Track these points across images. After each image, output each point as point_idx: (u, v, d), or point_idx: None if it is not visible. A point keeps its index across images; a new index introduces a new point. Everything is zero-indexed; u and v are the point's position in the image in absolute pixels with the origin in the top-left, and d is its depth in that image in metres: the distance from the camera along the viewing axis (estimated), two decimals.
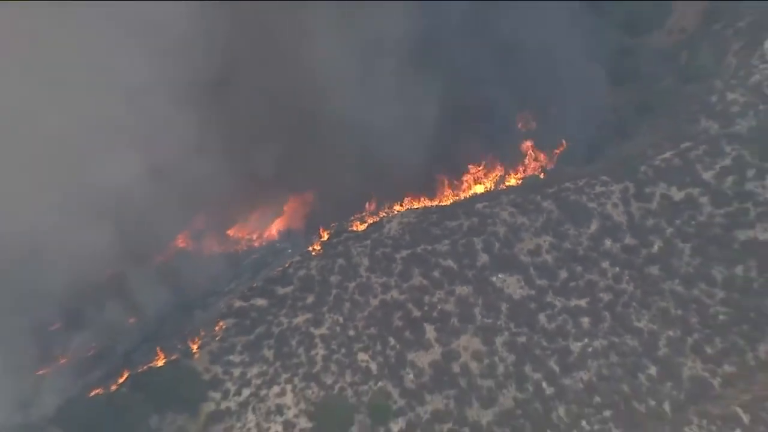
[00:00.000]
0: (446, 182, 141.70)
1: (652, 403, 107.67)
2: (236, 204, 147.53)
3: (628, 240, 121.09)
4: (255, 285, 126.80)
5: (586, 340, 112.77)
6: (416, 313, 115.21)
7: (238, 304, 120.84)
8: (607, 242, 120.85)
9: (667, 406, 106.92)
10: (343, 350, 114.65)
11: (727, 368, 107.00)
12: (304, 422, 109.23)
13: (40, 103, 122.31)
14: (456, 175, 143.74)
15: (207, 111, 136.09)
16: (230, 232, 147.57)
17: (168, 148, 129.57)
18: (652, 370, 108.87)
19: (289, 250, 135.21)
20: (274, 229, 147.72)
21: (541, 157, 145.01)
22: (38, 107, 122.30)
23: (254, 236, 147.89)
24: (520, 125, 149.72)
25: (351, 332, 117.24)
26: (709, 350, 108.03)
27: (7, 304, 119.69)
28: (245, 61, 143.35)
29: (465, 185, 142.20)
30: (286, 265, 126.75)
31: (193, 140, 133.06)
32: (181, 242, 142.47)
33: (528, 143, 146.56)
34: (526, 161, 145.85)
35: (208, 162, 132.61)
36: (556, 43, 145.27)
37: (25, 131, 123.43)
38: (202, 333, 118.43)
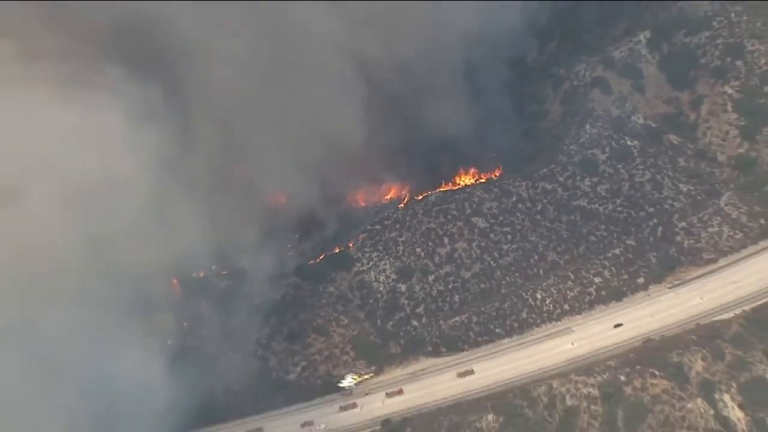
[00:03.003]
0: (454, 178, 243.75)
1: (537, 270, 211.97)
2: (373, 180, 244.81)
3: (528, 204, 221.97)
4: (376, 220, 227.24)
5: (510, 245, 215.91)
6: (440, 232, 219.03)
7: (369, 228, 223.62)
8: (520, 206, 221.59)
9: (541, 272, 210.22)
10: (409, 246, 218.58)
11: (567, 256, 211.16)
12: (393, 274, 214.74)
13: None
14: (455, 175, 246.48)
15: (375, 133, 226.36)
16: (368, 195, 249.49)
17: (356, 149, 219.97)
18: (537, 258, 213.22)
19: (390, 207, 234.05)
20: (386, 196, 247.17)
21: (496, 171, 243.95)
22: None
23: (377, 198, 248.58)
24: (493, 155, 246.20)
25: (413, 240, 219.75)
26: (559, 250, 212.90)
27: (278, 232, 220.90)
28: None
29: (460, 180, 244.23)
30: (388, 213, 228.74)
31: (363, 143, 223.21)
32: (349, 198, 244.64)
33: (490, 162, 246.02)
34: (487, 171, 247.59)
35: (365, 163, 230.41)
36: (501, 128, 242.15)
37: None
38: (358, 238, 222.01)
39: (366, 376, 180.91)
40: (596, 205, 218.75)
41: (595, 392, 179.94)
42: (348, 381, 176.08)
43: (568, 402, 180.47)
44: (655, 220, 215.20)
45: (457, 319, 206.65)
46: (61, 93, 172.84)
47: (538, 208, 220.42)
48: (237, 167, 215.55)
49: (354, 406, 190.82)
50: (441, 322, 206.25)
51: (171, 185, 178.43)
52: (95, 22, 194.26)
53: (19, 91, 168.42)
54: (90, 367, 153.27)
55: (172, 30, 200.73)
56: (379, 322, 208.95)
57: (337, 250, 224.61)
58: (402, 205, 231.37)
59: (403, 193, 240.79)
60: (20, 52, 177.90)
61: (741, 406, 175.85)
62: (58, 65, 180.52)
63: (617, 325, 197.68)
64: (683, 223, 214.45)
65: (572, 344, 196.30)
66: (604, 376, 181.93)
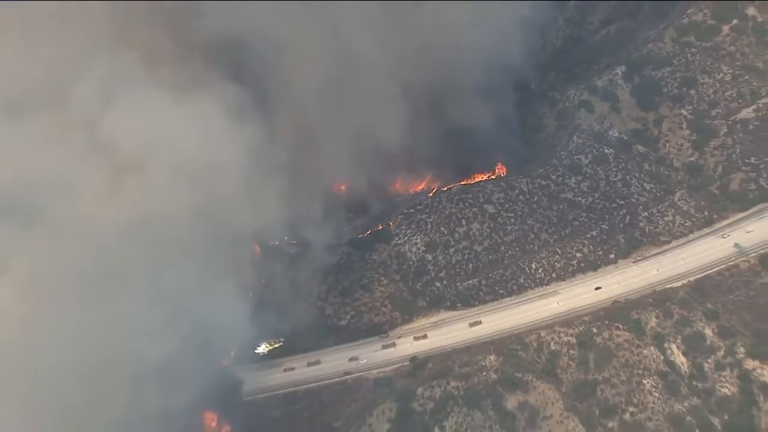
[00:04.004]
0: (472, 174, 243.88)
1: (532, 246, 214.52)
2: (409, 174, 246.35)
3: (528, 196, 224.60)
4: (410, 205, 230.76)
5: (513, 227, 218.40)
6: (459, 216, 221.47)
7: (405, 211, 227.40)
8: (521, 197, 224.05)
9: (535, 247, 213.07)
10: (435, 226, 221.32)
11: (555, 236, 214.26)
12: (422, 247, 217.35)
13: None
14: (472, 172, 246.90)
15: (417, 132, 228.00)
16: (404, 186, 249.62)
17: (397, 150, 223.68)
18: (533, 237, 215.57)
19: (422, 195, 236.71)
20: (419, 187, 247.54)
21: (502, 170, 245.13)
22: None
23: (412, 188, 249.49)
24: (497, 158, 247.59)
25: (439, 221, 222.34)
26: (550, 231, 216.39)
27: (336, 212, 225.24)
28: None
29: (476, 176, 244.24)
30: (420, 200, 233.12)
31: (402, 145, 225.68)
32: (391, 187, 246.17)
33: (498, 163, 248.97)
34: (496, 170, 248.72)
35: (403, 161, 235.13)
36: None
37: None
38: (396, 218, 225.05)
39: (276, 345, 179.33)
40: (579, 198, 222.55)
41: (573, 340, 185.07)
42: (262, 348, 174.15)
43: (552, 347, 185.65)
44: (624, 210, 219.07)
45: (470, 282, 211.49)
46: (174, 93, 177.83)
47: (535, 199, 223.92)
48: (308, 159, 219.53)
49: (393, 345, 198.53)
50: (458, 284, 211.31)
51: (256, 170, 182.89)
52: (202, 33, 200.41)
53: (143, 90, 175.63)
54: (196, 307, 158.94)
55: (263, 46, 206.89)
56: (410, 283, 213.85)
57: (380, 227, 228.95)
58: (431, 194, 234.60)
59: (431, 185, 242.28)
60: (144, 60, 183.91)
61: (684, 353, 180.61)
62: (173, 70, 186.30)
63: (597, 288, 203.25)
64: (645, 213, 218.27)
65: (557, 303, 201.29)
66: (581, 328, 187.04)
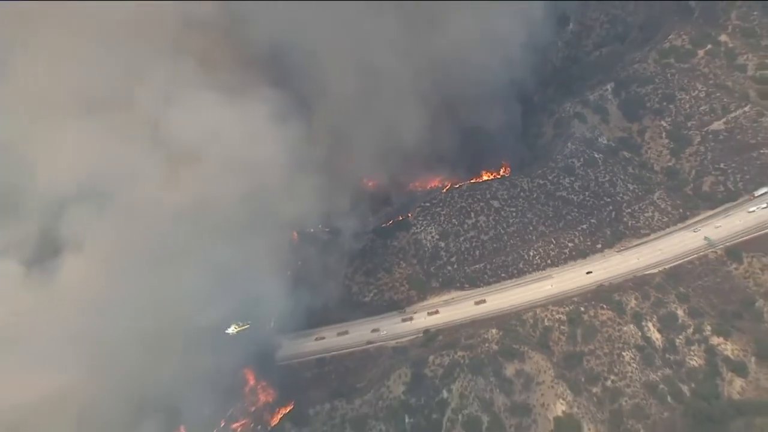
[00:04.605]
0: (480, 173, 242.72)
1: (531, 237, 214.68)
2: (426, 173, 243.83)
3: (528, 193, 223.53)
4: (427, 199, 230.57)
5: (514, 219, 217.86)
6: (469, 209, 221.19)
7: (422, 205, 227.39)
8: (521, 194, 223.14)
9: (533, 237, 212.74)
10: (448, 218, 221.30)
11: (551, 228, 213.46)
12: (436, 235, 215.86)
13: None
14: (479, 173, 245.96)
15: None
16: (422, 183, 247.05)
17: (416, 152, 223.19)
18: (531, 228, 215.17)
19: (436, 191, 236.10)
20: (434, 184, 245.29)
21: (506, 170, 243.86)
22: None
23: (428, 185, 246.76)
24: (502, 160, 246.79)
25: (451, 213, 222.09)
26: (546, 224, 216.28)
27: (362, 204, 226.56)
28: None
29: (484, 175, 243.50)
30: (435, 195, 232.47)
31: (421, 149, 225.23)
32: (410, 183, 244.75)
33: (503, 164, 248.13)
34: (501, 170, 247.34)
35: (421, 162, 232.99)
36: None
37: None
38: (414, 211, 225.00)
39: (243, 327, 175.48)
40: (572, 196, 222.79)
41: (564, 317, 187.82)
42: (231, 329, 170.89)
43: (546, 323, 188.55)
44: (610, 207, 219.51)
45: (476, 266, 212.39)
46: (226, 96, 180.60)
47: (534, 196, 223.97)
48: (340, 157, 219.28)
49: (410, 319, 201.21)
50: (466, 267, 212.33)
51: (295, 166, 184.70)
52: (252, 45, 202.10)
53: (199, 93, 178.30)
54: (242, 282, 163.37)
55: (303, 58, 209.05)
56: (425, 266, 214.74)
57: (400, 218, 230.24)
58: (444, 190, 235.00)
59: (445, 182, 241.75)
60: (200, 66, 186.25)
61: (659, 330, 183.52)
62: (225, 76, 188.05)
63: (588, 272, 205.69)
64: (629, 210, 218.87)
65: (551, 286, 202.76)
66: (570, 307, 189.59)
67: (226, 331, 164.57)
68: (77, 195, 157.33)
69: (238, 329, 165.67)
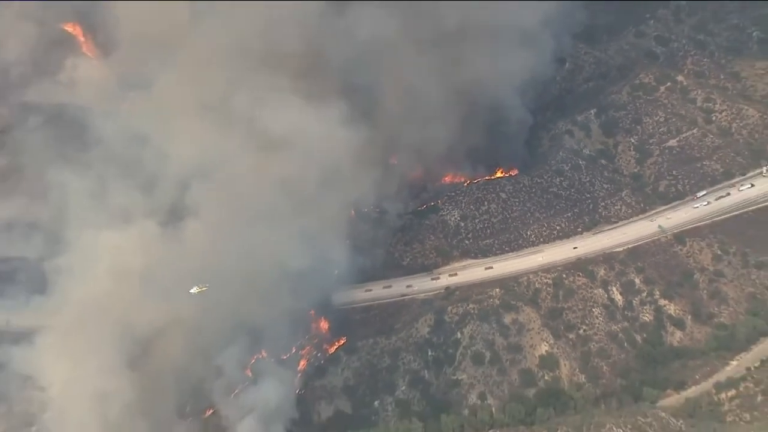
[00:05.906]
0: (493, 172, 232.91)
1: (529, 221, 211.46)
2: (453, 170, 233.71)
3: (528, 188, 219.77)
4: (452, 190, 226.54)
5: (517, 207, 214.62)
6: (483, 199, 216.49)
7: (448, 194, 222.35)
8: (523, 189, 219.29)
9: (531, 221, 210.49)
10: (467, 204, 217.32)
11: (544, 215, 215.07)
12: (458, 217, 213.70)
13: None
14: (493, 172, 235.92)
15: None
16: (450, 177, 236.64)
17: (446, 153, 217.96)
18: (529, 215, 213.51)
19: (460, 185, 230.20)
20: (458, 179, 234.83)
21: (513, 171, 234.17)
22: None
23: (454, 179, 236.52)
24: (511, 163, 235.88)
25: (470, 201, 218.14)
26: (541, 211, 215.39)
27: (404, 191, 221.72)
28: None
29: (495, 174, 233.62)
30: (458, 187, 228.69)
31: (450, 150, 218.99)
32: (441, 177, 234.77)
33: (511, 166, 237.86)
34: (510, 171, 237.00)
35: (450, 161, 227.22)
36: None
37: None
38: (443, 198, 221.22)
39: (203, 288, 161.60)
40: (561, 192, 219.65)
41: (550, 281, 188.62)
42: (194, 289, 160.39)
43: (536, 285, 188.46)
44: (589, 201, 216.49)
45: (487, 241, 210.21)
46: (306, 101, 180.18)
47: (533, 190, 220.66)
48: (390, 155, 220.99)
49: (437, 278, 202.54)
50: (479, 242, 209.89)
51: (358, 161, 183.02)
52: (327, 56, 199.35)
53: (283, 97, 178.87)
54: (315, 243, 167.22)
55: (366, 77, 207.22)
56: (449, 239, 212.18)
57: (432, 204, 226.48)
58: (466, 184, 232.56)
59: (467, 178, 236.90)
60: (286, 78, 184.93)
61: (620, 293, 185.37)
62: (306, 84, 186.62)
63: (575, 248, 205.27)
64: (603, 203, 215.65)
65: (542, 258, 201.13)
66: (555, 274, 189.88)
67: (190, 291, 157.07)
68: (196, 175, 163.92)
69: (199, 290, 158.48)
